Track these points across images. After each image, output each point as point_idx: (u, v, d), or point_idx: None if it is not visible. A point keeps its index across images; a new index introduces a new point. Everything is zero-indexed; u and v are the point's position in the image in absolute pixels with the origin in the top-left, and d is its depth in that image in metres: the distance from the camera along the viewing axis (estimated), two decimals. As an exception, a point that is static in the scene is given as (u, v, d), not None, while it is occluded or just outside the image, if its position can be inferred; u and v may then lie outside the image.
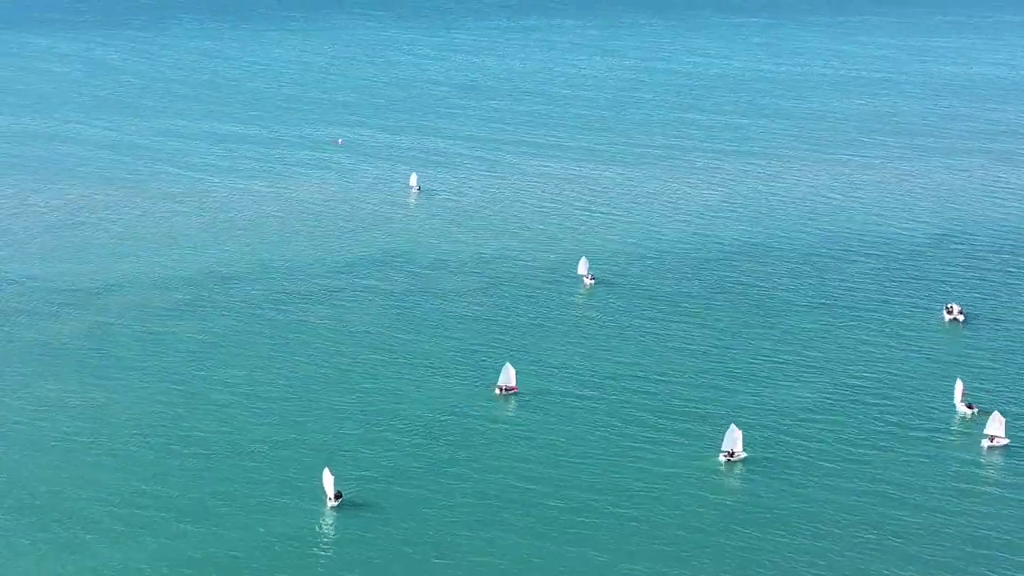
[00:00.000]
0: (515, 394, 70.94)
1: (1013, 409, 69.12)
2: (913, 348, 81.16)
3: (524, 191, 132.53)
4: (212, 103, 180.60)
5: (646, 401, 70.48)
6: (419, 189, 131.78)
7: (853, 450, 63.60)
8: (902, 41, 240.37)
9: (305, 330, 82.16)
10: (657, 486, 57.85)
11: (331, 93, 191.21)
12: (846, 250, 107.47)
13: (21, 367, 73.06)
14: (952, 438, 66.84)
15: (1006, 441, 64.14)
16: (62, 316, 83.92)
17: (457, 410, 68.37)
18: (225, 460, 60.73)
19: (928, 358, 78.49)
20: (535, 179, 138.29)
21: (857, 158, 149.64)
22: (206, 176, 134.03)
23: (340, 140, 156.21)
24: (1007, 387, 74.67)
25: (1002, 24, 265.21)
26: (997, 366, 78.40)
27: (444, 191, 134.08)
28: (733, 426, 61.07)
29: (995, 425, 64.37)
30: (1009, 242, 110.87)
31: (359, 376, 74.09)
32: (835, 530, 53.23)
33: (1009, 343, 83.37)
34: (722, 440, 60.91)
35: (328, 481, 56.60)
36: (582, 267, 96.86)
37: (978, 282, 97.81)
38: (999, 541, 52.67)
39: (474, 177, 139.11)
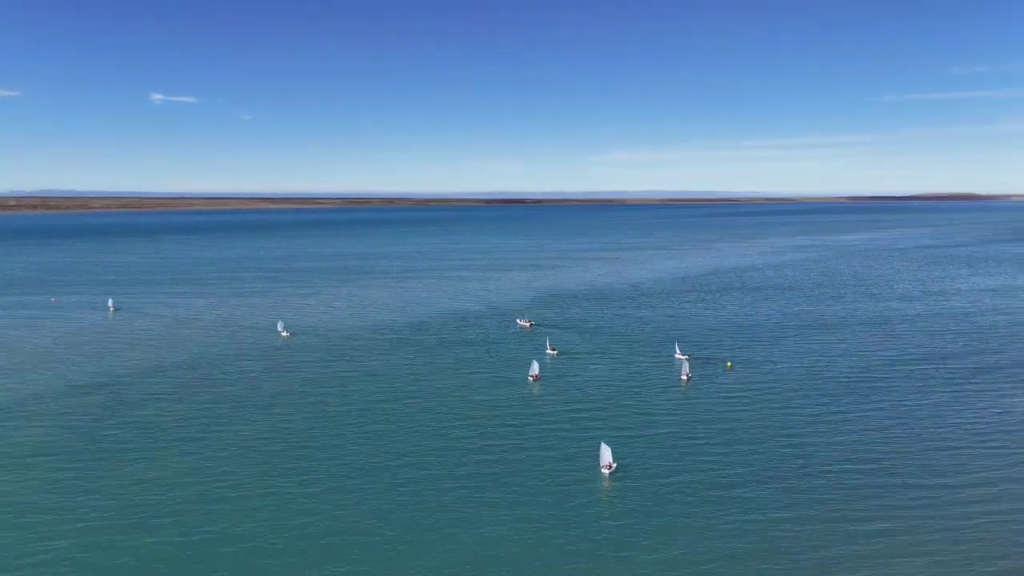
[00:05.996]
0: (539, 380, 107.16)
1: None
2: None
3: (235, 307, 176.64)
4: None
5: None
6: (115, 309, 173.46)
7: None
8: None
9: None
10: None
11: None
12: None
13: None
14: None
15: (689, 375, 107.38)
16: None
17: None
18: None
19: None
20: (249, 304, 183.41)
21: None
22: None
23: (54, 299, 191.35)
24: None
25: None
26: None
27: (135, 311, 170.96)
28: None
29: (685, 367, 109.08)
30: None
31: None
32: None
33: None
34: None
35: (605, 451, 72.49)
36: (280, 326, 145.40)
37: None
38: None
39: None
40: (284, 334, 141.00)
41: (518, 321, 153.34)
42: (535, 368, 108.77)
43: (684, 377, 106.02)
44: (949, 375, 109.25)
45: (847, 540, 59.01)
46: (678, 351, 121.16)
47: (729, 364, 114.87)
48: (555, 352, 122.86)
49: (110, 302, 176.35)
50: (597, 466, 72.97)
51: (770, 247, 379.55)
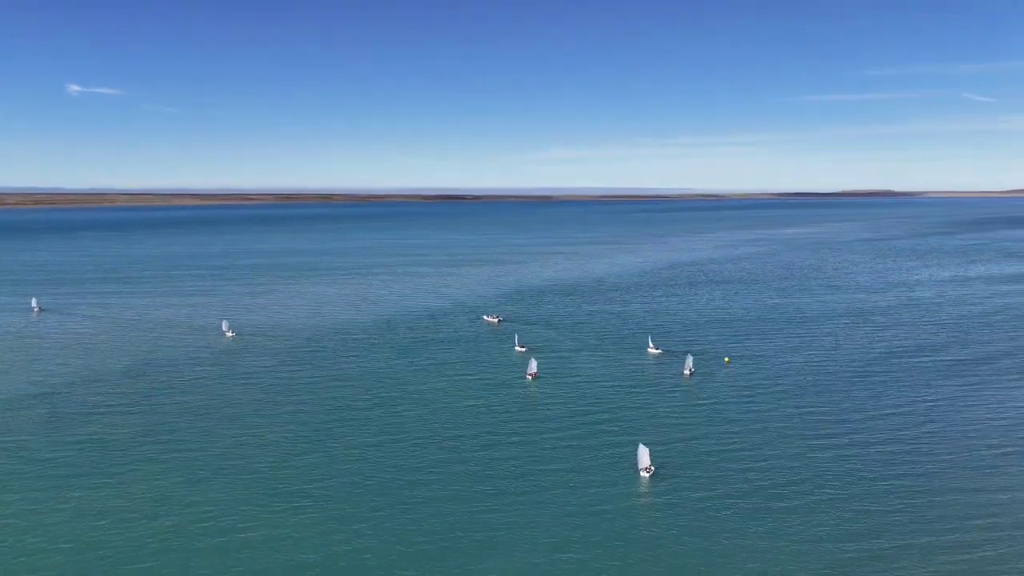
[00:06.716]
0: (538, 378, 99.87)
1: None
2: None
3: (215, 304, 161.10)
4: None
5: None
6: (40, 310, 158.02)
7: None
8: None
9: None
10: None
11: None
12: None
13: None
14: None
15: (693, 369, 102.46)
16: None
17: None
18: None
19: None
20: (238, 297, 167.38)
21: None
22: None
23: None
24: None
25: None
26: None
27: (64, 312, 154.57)
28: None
29: (688, 362, 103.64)
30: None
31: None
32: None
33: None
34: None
35: (643, 453, 66.65)
36: (225, 326, 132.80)
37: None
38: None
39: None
40: (229, 335, 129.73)
41: (485, 318, 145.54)
42: (533, 366, 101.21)
43: (687, 372, 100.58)
44: (950, 367, 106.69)
45: (889, 539, 53.41)
46: (651, 345, 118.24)
47: (727, 359, 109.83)
48: (524, 349, 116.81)
49: (34, 302, 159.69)
50: (632, 469, 66.08)
51: (720, 241, 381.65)
